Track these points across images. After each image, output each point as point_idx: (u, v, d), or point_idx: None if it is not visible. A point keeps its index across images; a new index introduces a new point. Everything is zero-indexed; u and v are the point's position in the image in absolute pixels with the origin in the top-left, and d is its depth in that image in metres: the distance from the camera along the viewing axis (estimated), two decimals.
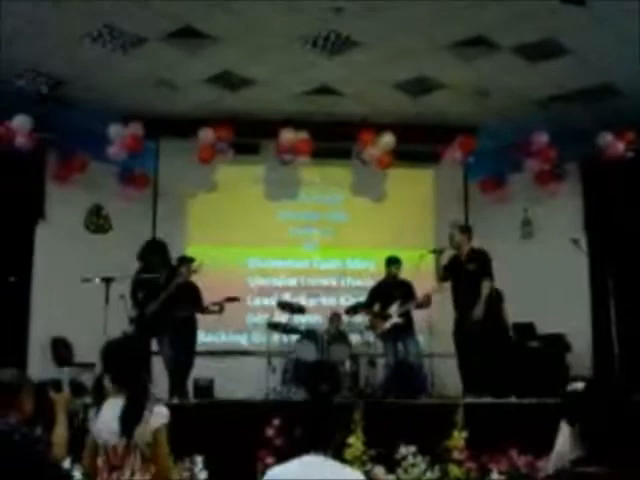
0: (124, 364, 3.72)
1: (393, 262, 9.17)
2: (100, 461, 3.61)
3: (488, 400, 7.21)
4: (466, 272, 7.93)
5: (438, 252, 8.27)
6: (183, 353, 8.11)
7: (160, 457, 3.57)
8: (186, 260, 8.54)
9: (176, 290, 7.98)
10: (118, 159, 10.01)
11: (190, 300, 8.33)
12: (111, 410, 3.61)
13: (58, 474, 3.90)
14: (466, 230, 8.22)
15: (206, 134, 10.10)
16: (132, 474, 3.52)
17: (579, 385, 5.63)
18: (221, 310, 8.50)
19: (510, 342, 9.24)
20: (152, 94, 9.69)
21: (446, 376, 9.76)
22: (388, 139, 10.21)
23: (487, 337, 8.78)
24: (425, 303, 8.77)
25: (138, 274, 8.01)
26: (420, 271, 8.47)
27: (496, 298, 9.08)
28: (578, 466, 2.60)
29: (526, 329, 9.55)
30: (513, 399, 7.33)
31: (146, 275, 7.92)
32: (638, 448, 2.54)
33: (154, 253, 8.14)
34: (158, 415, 3.59)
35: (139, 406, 3.58)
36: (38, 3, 7.32)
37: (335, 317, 10.12)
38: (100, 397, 3.75)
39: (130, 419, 3.55)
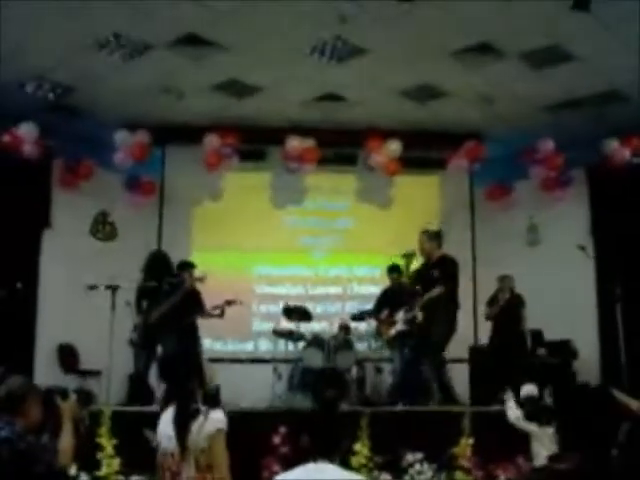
0: (173, 375, 3.77)
1: (393, 270, 9.19)
2: (163, 467, 3.63)
3: (495, 408, 7.18)
4: (431, 279, 7.86)
5: (409, 256, 8.12)
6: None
7: (217, 464, 3.54)
8: (187, 265, 8.54)
9: (180, 298, 8.00)
10: (124, 166, 10.02)
11: (192, 306, 8.33)
12: (168, 417, 3.64)
13: None
14: (435, 237, 8.08)
15: (212, 140, 10.12)
16: None
17: (531, 388, 5.67)
18: (222, 314, 8.49)
19: (525, 350, 9.16)
20: (158, 101, 9.71)
21: (452, 382, 9.74)
22: (395, 146, 10.22)
23: (502, 345, 8.83)
24: None
25: (142, 282, 8.04)
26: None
27: (516, 304, 9.09)
28: (553, 463, 2.61)
29: (534, 336, 9.54)
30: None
31: (149, 283, 7.95)
32: (610, 445, 2.56)
33: (157, 264, 8.17)
34: (214, 420, 3.58)
35: (187, 413, 3.58)
36: (45, 11, 7.34)
37: (344, 328, 10.08)
38: (163, 405, 3.80)
39: (180, 426, 3.56)
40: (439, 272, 7.83)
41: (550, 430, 5.34)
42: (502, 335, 9.05)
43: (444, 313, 7.86)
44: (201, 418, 3.56)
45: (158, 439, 3.72)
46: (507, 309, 9.06)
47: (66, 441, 3.90)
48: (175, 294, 7.99)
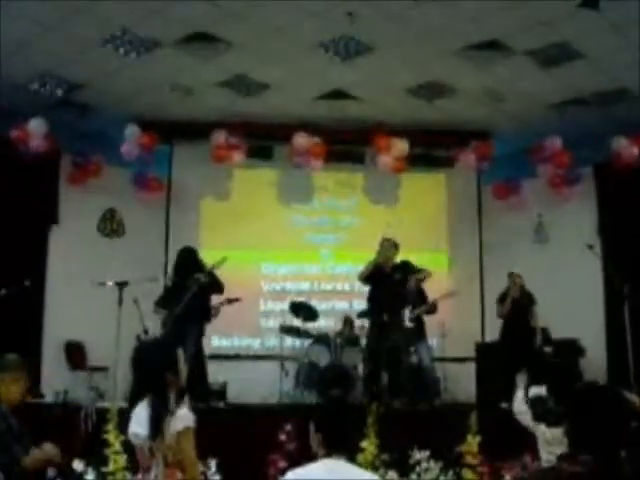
0: (149, 368, 3.71)
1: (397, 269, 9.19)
2: (139, 463, 3.63)
3: (502, 405, 7.18)
4: (392, 281, 8.50)
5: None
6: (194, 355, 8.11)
7: (185, 461, 3.52)
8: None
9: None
10: (130, 158, 10.01)
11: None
12: (138, 414, 3.60)
13: None
14: (396, 246, 8.79)
15: (219, 136, 10.14)
16: (156, 477, 3.50)
17: (540, 389, 5.61)
18: (216, 313, 8.42)
19: (534, 348, 9.11)
20: (166, 98, 9.73)
21: (458, 380, 9.76)
22: (402, 146, 10.21)
23: (512, 342, 8.85)
24: (432, 310, 8.86)
25: (172, 279, 8.08)
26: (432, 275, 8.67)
27: (527, 301, 9.07)
28: (562, 463, 2.60)
29: (541, 334, 9.50)
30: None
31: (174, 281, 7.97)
32: (622, 445, 2.55)
33: (187, 261, 8.16)
34: (181, 418, 3.54)
35: (162, 409, 3.54)
36: (54, 8, 7.37)
37: (348, 321, 10.11)
38: (133, 401, 3.74)
39: (155, 422, 3.51)
40: (402, 275, 8.58)
41: (557, 431, 5.30)
42: (513, 332, 9.03)
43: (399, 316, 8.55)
44: (168, 415, 3.53)
45: (129, 435, 3.68)
46: (518, 306, 9.04)
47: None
48: (189, 290, 7.96)
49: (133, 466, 5.99)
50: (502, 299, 9.23)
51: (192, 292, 7.81)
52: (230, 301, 8.38)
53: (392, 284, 8.49)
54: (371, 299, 8.80)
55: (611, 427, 2.56)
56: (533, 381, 5.86)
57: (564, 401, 4.74)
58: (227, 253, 10.43)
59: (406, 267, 8.72)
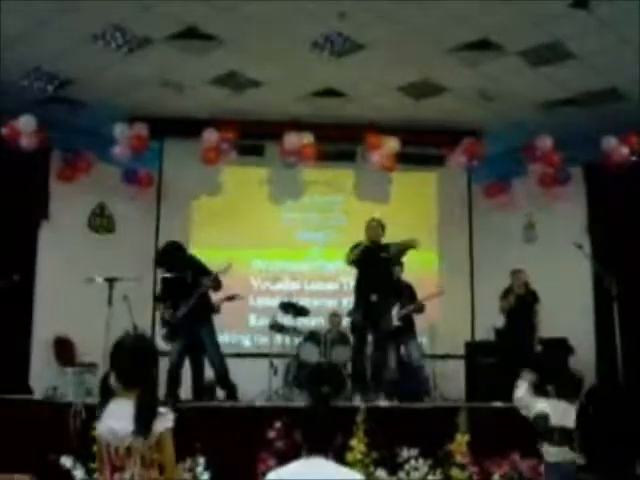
0: (136, 362, 3.59)
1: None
2: (104, 461, 3.51)
3: (495, 404, 7.19)
4: (380, 261, 8.23)
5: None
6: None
7: (165, 462, 3.45)
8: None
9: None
10: (123, 159, 10.01)
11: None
12: (115, 411, 3.50)
13: None
14: (383, 227, 8.46)
15: (210, 136, 10.10)
16: (132, 477, 3.42)
17: (543, 405, 5.51)
18: (218, 310, 8.42)
19: (532, 346, 9.10)
20: (157, 95, 9.70)
21: (448, 378, 9.78)
22: (393, 144, 10.20)
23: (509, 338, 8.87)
24: (419, 309, 8.89)
25: (165, 275, 8.00)
26: (422, 274, 8.64)
27: (531, 299, 9.03)
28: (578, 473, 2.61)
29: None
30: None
31: (172, 274, 7.88)
32: (634, 455, 2.57)
33: (175, 255, 8.08)
34: (164, 418, 3.47)
35: (153, 404, 3.46)
36: (46, 3, 7.34)
37: (335, 317, 10.10)
38: (106, 397, 3.63)
39: (144, 420, 3.40)
40: (387, 254, 8.29)
41: (562, 405, 5.14)
42: (514, 329, 9.02)
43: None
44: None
45: (100, 431, 3.56)
46: (522, 304, 9.01)
47: None
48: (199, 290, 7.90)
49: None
50: (505, 295, 9.21)
51: (198, 294, 7.77)
52: (230, 298, 8.37)
53: (379, 264, 8.23)
54: (359, 282, 8.44)
55: (627, 436, 2.55)
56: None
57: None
58: (217, 249, 10.52)
59: (392, 246, 8.41)
